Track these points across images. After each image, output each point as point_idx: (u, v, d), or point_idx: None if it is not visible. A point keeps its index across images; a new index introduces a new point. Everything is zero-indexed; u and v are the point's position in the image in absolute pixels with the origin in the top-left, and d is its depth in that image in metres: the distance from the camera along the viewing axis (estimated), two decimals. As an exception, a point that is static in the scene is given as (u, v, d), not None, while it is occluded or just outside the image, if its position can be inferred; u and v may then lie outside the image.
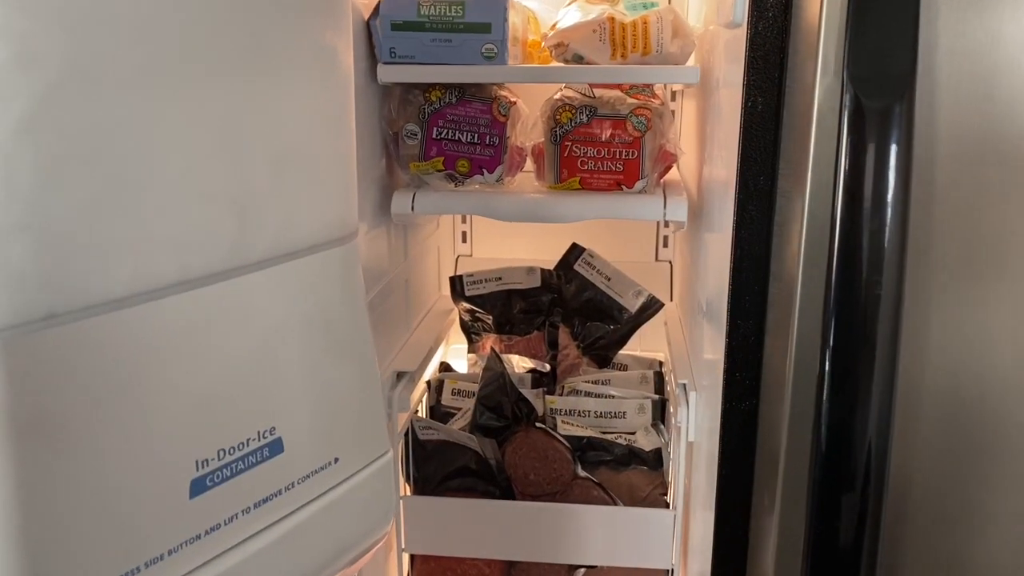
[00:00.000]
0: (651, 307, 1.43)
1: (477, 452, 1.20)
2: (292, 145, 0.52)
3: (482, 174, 1.09)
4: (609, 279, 1.46)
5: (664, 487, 1.23)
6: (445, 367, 1.43)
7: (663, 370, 1.45)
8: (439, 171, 1.08)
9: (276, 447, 0.53)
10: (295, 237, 0.52)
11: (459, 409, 1.33)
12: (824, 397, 0.68)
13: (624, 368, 1.49)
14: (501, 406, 1.23)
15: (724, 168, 0.90)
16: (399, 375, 1.19)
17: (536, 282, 1.44)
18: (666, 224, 1.54)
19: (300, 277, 0.53)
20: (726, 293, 0.82)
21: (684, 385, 1.15)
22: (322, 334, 0.57)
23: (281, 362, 0.53)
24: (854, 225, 0.61)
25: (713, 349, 0.95)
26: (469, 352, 1.47)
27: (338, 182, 0.56)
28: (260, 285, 0.51)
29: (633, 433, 1.29)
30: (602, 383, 1.39)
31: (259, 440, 0.52)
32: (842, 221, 0.62)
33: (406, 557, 1.24)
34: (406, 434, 1.21)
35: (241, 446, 0.50)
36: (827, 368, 0.67)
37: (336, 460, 0.58)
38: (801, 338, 0.70)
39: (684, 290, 1.40)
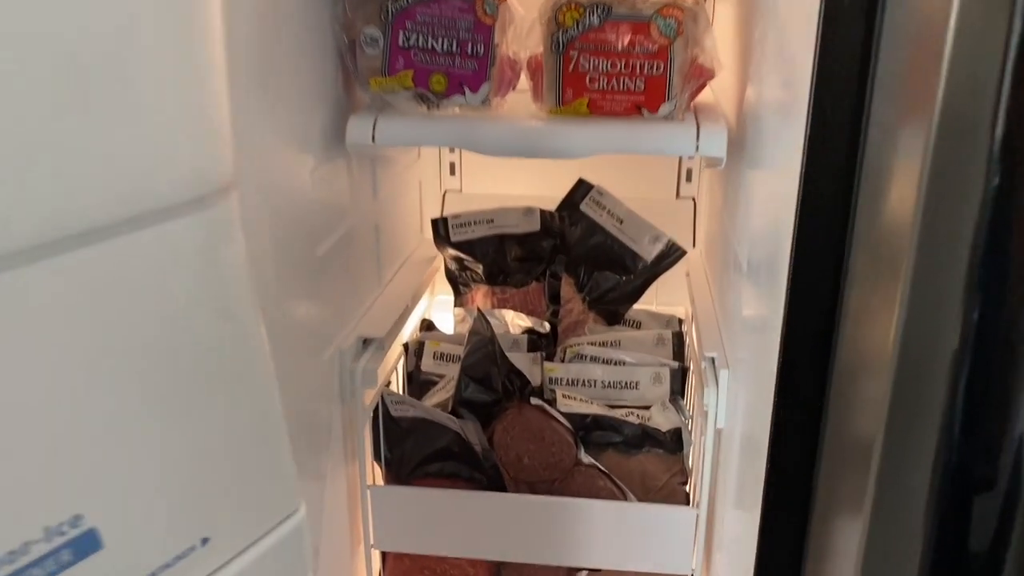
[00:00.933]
0: (671, 255, 1.21)
1: (458, 433, 0.99)
2: (84, 57, 0.29)
3: (463, 94, 0.85)
4: (621, 221, 1.23)
5: (684, 475, 1.02)
6: (427, 325, 1.22)
7: (683, 329, 1.24)
8: (407, 89, 0.85)
9: (88, 543, 0.32)
10: (97, 204, 0.30)
11: (442, 376, 1.12)
12: (961, 388, 0.47)
13: (637, 326, 1.28)
14: (489, 377, 1.02)
15: (782, 88, 0.67)
16: (365, 342, 0.98)
17: (535, 225, 1.21)
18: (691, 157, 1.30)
19: (114, 269, 0.31)
20: (785, 252, 0.60)
21: (712, 359, 0.93)
22: (167, 356, 0.35)
23: (88, 408, 0.31)
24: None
25: (757, 317, 0.73)
26: (456, 307, 1.25)
27: (186, 115, 0.34)
28: (38, 284, 0.29)
29: (647, 408, 1.08)
30: (611, 345, 1.18)
31: (51, 539, 0.31)
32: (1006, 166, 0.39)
33: (376, 554, 1.05)
34: (376, 408, 1.00)
35: (13, 555, 0.30)
36: (970, 354, 0.46)
37: (205, 541, 0.37)
38: (915, 315, 0.49)
39: (713, 236, 1.17)
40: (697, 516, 0.96)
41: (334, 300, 0.90)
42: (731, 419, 0.89)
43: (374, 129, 0.85)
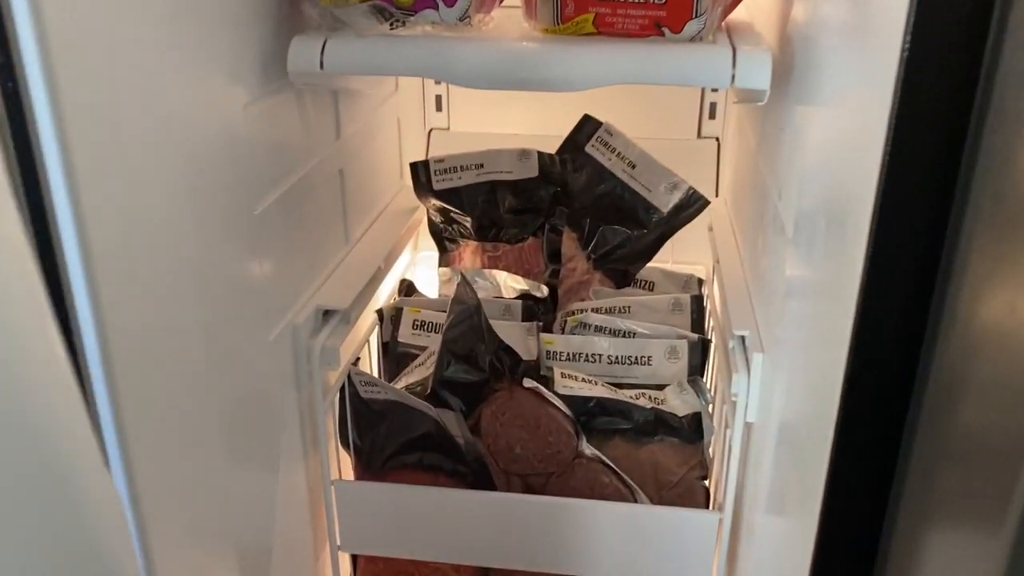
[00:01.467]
0: (691, 205, 1.04)
1: (437, 420, 0.84)
2: None
3: (435, 8, 0.67)
4: (633, 166, 1.06)
5: (703, 468, 0.87)
6: (408, 287, 1.06)
7: (704, 292, 1.07)
8: (364, 1, 0.67)
9: None
10: None
11: (422, 349, 0.96)
12: None
13: (650, 287, 1.11)
14: (474, 355, 0.86)
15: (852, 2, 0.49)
16: (325, 314, 0.82)
17: (532, 170, 1.04)
18: (714, 91, 1.12)
19: None
20: (865, 208, 0.43)
21: (743, 339, 0.77)
22: None
23: None
24: None
25: (812, 288, 0.57)
26: (441, 266, 1.09)
27: None
28: None
29: (661, 388, 0.92)
30: (619, 312, 1.02)
31: None
32: None
33: (346, 556, 0.91)
34: (343, 389, 0.85)
35: None
36: None
37: None
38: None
39: (742, 184, 1.00)
40: (720, 520, 0.80)
41: (282, 266, 0.74)
42: (765, 410, 0.73)
43: (322, 54, 0.67)
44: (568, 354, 0.94)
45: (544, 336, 0.94)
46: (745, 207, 0.91)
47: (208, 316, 0.62)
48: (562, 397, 0.87)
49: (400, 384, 0.91)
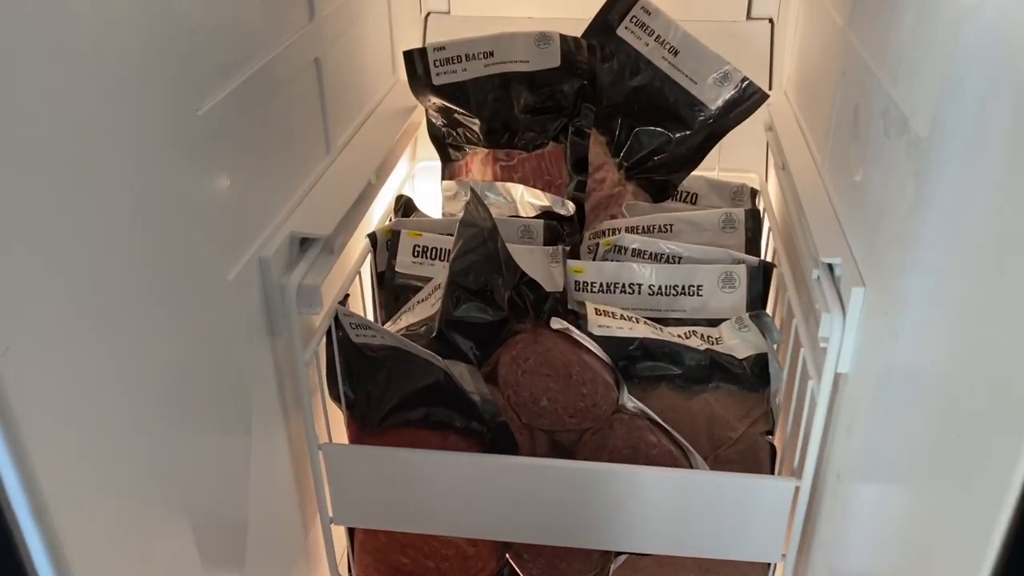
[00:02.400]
0: (745, 100, 0.86)
1: (446, 372, 0.68)
2: None
3: None
4: (676, 52, 0.87)
5: (768, 421, 0.72)
6: (405, 205, 0.88)
7: (759, 205, 0.90)
8: None
9: None
10: None
11: (424, 280, 0.80)
12: None
13: (692, 199, 0.94)
14: (489, 290, 0.70)
15: None
16: (303, 243, 0.65)
17: (553, 59, 0.86)
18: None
19: None
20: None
21: (830, 267, 0.61)
22: None
23: None
24: None
25: (969, 198, 0.40)
26: (445, 178, 0.91)
27: None
28: None
29: (714, 325, 0.76)
30: (660, 231, 0.85)
31: None
32: None
33: (341, 529, 0.77)
34: (329, 332, 0.69)
35: None
36: None
37: None
38: None
39: (817, 72, 0.82)
40: (797, 489, 0.66)
41: (241, 182, 0.57)
42: (864, 358, 0.57)
43: None
44: (601, 284, 0.78)
45: (572, 263, 0.78)
46: (823, 102, 0.73)
47: (139, 251, 0.45)
48: (597, 339, 0.71)
49: (400, 324, 0.76)
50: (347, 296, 0.72)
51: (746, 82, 0.85)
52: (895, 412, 0.50)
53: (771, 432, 0.72)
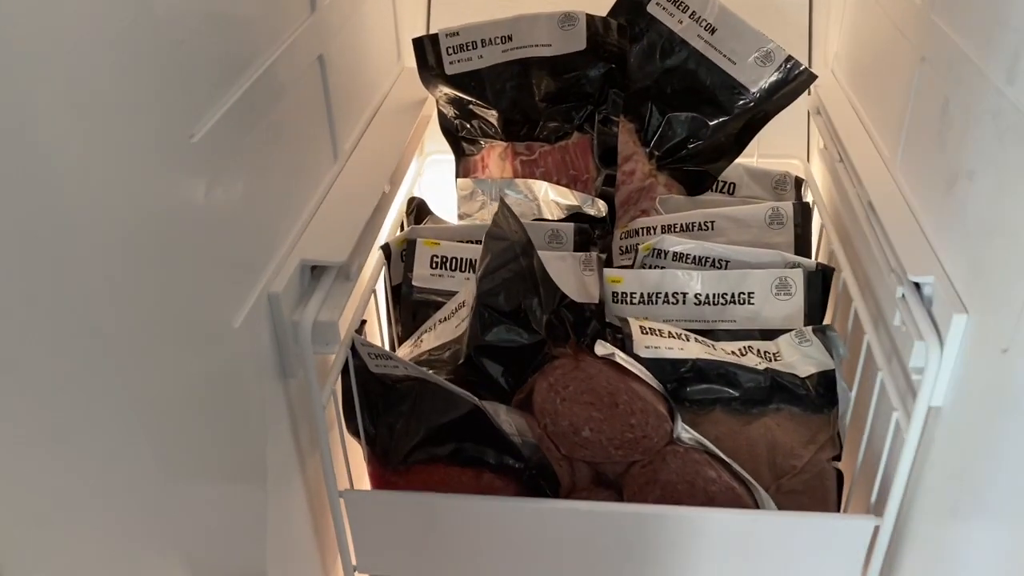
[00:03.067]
0: (789, 81, 0.78)
1: (479, 408, 0.61)
2: None
3: None
4: (713, 30, 0.79)
5: (835, 446, 0.65)
6: (418, 207, 0.80)
7: (805, 196, 0.83)
8: None
9: None
10: None
11: (445, 293, 0.72)
12: None
13: (730, 190, 0.86)
14: (524, 312, 0.62)
15: None
16: (314, 270, 0.57)
17: (578, 41, 0.77)
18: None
19: None
20: None
21: (918, 287, 0.54)
22: None
23: None
24: None
25: None
26: (459, 175, 0.83)
27: None
28: None
29: (769, 336, 0.69)
30: (699, 229, 0.78)
31: None
32: None
33: None
34: (346, 362, 0.62)
35: None
36: None
37: None
38: None
39: (872, 52, 0.74)
40: (876, 529, 0.59)
41: (245, 213, 0.49)
42: (962, 391, 0.50)
43: None
44: (642, 295, 0.71)
45: (609, 272, 0.70)
46: (892, 90, 0.65)
47: (130, 304, 0.38)
48: (645, 362, 0.64)
49: (422, 346, 0.68)
50: (363, 323, 0.65)
51: (791, 62, 0.77)
52: (1012, 453, 0.43)
53: (838, 457, 0.65)
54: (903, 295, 0.54)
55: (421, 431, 0.65)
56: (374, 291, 0.68)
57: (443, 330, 0.69)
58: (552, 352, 0.64)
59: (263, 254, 0.53)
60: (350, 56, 0.68)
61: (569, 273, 0.70)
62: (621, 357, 0.62)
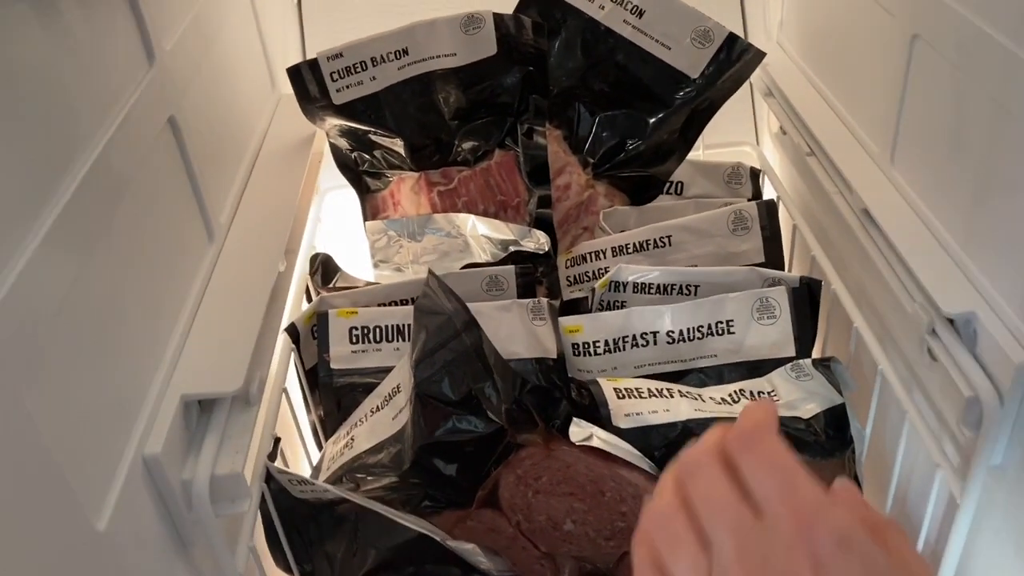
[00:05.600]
0: (734, 62, 0.67)
1: (428, 536, 0.50)
2: None
3: None
4: (641, 12, 0.67)
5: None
6: (323, 264, 0.67)
7: (765, 190, 0.73)
8: None
9: None
10: None
11: (374, 375, 0.60)
12: None
13: (678, 190, 0.75)
14: (475, 399, 0.51)
15: None
16: (202, 404, 0.44)
17: (487, 47, 0.65)
18: None
19: None
20: None
21: (952, 323, 0.44)
22: None
23: None
24: None
25: None
26: (367, 217, 0.70)
27: None
28: None
29: (759, 370, 0.59)
30: (655, 246, 0.67)
31: None
32: None
33: None
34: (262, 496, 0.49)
35: None
36: None
37: None
38: None
39: (835, 26, 0.63)
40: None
41: (94, 367, 0.36)
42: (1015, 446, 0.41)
43: None
44: (607, 343, 0.60)
45: (566, 322, 0.59)
46: (876, 74, 0.55)
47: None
48: (627, 433, 0.53)
49: (355, 449, 0.56)
50: (277, 441, 0.52)
51: (735, 40, 0.66)
52: None
53: (859, 506, 0.56)
54: (933, 330, 0.45)
55: (370, 558, 0.53)
56: (284, 390, 0.55)
57: (377, 424, 0.56)
58: (517, 440, 0.52)
59: (128, 407, 0.39)
60: (211, 105, 0.54)
61: (517, 325, 0.59)
62: (600, 439, 0.51)
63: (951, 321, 0.44)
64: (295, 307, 0.60)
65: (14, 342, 0.30)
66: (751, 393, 0.57)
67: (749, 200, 0.72)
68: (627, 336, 0.60)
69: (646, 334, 0.60)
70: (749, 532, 0.28)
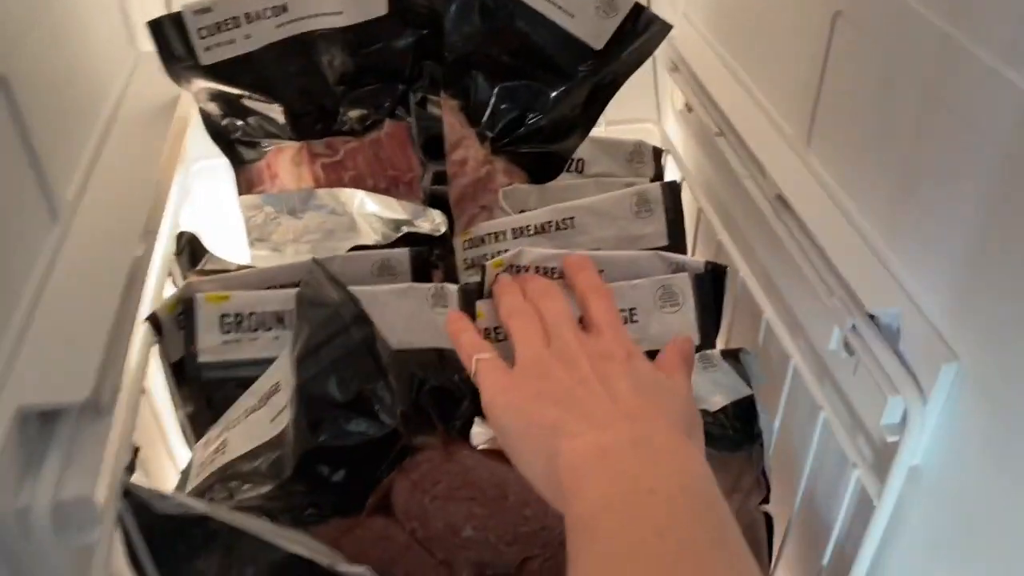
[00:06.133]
0: (640, 33, 0.64)
1: (296, 556, 0.45)
2: None
3: None
4: (542, -23, 0.63)
5: (762, 488, 0.54)
6: (189, 244, 0.60)
7: (667, 170, 0.70)
8: None
9: None
10: None
11: (250, 367, 0.53)
12: None
13: (579, 168, 0.72)
14: (367, 400, 0.46)
15: None
16: (43, 417, 0.38)
17: (377, 6, 0.59)
18: None
19: None
20: None
21: (872, 317, 0.42)
22: None
23: None
24: None
25: None
26: (241, 191, 0.63)
27: None
28: None
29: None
30: (558, 228, 0.63)
31: None
32: None
33: None
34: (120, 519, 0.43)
35: None
36: None
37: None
38: None
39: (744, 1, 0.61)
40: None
41: None
42: (950, 449, 0.40)
43: None
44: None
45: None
46: (789, 50, 0.52)
47: None
48: (532, 434, 0.49)
49: (227, 455, 0.50)
50: (136, 451, 0.45)
51: (641, 10, 0.63)
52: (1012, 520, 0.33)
53: (766, 499, 0.55)
54: (853, 326, 0.43)
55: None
56: (143, 390, 0.48)
57: (253, 426, 0.50)
58: (412, 443, 0.48)
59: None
60: (53, 63, 0.46)
61: (415, 312, 0.53)
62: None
63: (872, 317, 0.42)
64: (157, 294, 0.53)
65: None
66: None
67: (651, 180, 0.70)
68: (529, 327, 0.56)
69: (548, 325, 0.56)
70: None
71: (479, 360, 0.44)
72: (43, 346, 0.39)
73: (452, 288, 0.54)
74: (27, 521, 0.35)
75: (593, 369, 0.42)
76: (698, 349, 0.57)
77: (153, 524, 0.46)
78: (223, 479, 0.49)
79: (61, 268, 0.43)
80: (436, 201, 0.62)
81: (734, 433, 0.53)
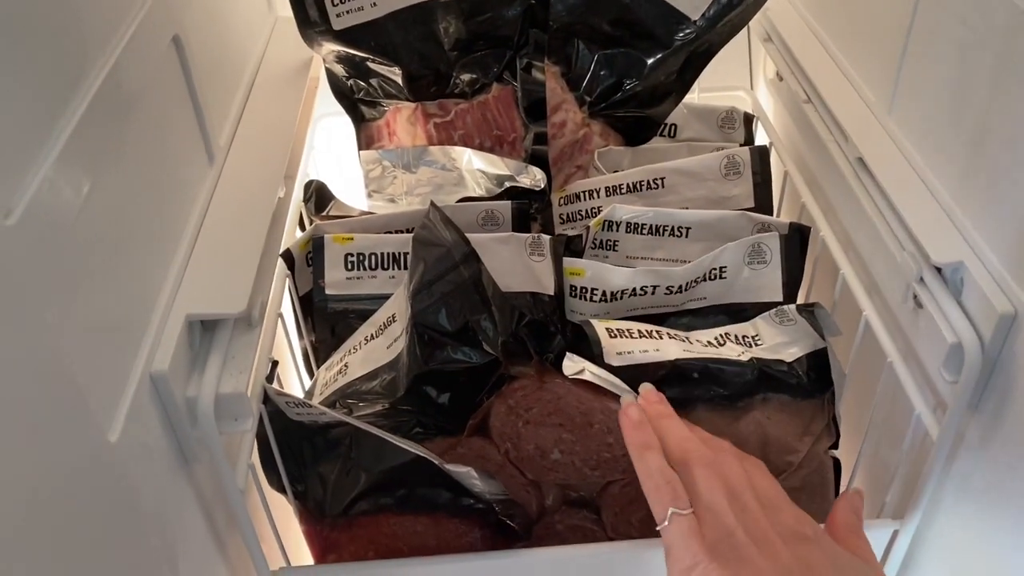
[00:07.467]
0: (735, 5, 0.67)
1: (425, 458, 0.51)
2: None
3: None
4: (646, -49, 0.67)
5: (831, 434, 0.58)
6: (317, 192, 0.67)
7: (757, 135, 0.73)
8: None
9: None
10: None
11: (369, 301, 0.60)
12: None
13: (672, 133, 0.76)
14: (471, 331, 0.51)
15: None
16: (205, 324, 0.45)
17: (490, -23, 0.64)
18: None
19: None
20: None
21: (940, 273, 0.46)
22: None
23: None
24: None
25: None
26: (361, 146, 0.70)
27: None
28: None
29: (741, 312, 0.61)
30: (649, 188, 0.68)
31: None
32: None
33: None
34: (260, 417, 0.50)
35: None
36: None
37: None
38: None
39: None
40: (896, 533, 0.53)
41: (99, 289, 0.36)
42: (1000, 392, 0.43)
43: None
44: (606, 294, 0.60)
45: (571, 264, 0.59)
46: (875, 18, 0.55)
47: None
48: (618, 370, 0.54)
49: (348, 376, 0.57)
50: (275, 364, 0.53)
51: (739, -20, 0.66)
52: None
53: (835, 445, 0.58)
54: (921, 278, 0.46)
55: (362, 480, 0.55)
56: (280, 315, 0.55)
57: (371, 351, 0.57)
58: (510, 372, 0.54)
59: (135, 326, 0.40)
60: (212, 25, 0.54)
61: (514, 259, 0.59)
62: (592, 373, 0.52)
63: (939, 270, 0.46)
64: (290, 234, 0.60)
65: (35, 253, 0.31)
66: (736, 337, 0.59)
67: (741, 145, 0.73)
68: (627, 290, 0.60)
69: (646, 287, 0.60)
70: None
71: (675, 515, 0.41)
72: (205, 268, 0.46)
73: (546, 238, 0.59)
74: (195, 409, 0.42)
75: (793, 555, 0.38)
76: (780, 304, 0.61)
77: (286, 429, 0.54)
78: (344, 396, 0.56)
79: (216, 206, 0.50)
80: (536, 160, 0.67)
81: (808, 382, 0.57)
